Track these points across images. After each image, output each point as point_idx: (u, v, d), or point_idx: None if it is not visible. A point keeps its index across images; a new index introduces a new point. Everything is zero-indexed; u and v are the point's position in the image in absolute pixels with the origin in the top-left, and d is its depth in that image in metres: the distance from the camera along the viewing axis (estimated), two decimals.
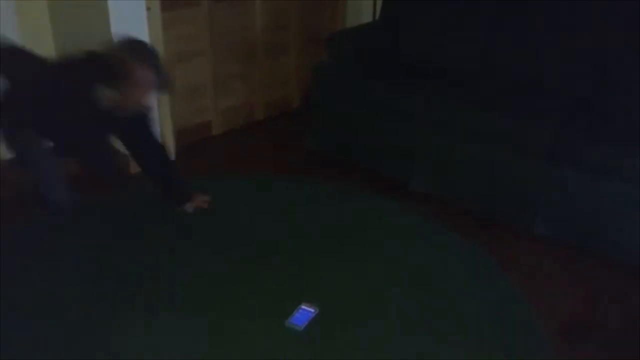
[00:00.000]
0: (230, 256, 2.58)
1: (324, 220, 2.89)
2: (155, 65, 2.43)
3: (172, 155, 3.46)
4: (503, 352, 2.16)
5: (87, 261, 2.56)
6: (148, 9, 3.12)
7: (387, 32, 3.62)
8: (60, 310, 2.27)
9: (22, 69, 2.52)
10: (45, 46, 3.40)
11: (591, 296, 2.48)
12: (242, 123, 3.92)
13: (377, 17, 3.98)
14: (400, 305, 2.36)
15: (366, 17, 4.10)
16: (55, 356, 2.07)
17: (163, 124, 3.40)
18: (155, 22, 3.19)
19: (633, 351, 2.21)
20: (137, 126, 2.67)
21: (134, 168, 3.31)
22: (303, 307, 2.30)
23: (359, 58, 3.52)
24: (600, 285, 2.55)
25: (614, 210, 2.61)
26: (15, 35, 3.24)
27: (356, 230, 2.77)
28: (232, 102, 3.85)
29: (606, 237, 2.67)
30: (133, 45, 2.45)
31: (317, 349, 2.14)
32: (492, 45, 3.27)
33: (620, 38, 2.93)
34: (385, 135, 3.27)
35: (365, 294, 2.40)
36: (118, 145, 2.81)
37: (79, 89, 2.38)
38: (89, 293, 2.37)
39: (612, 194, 2.60)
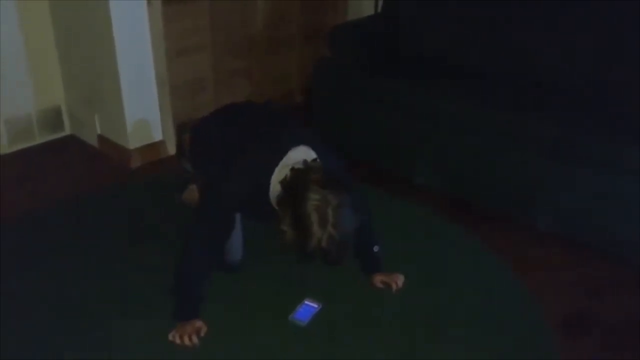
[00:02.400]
0: None
1: None
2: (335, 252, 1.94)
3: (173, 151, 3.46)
4: (506, 348, 2.14)
5: (87, 259, 2.54)
6: (149, 2, 3.10)
7: (388, 26, 3.60)
8: (59, 309, 2.26)
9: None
10: (45, 39, 3.40)
11: (593, 292, 2.47)
12: None
13: (378, 10, 3.96)
14: (403, 301, 2.34)
15: (368, 11, 4.08)
16: (55, 356, 2.06)
17: (164, 119, 3.39)
18: (156, 15, 3.17)
19: (635, 347, 2.20)
20: None
21: (134, 163, 3.32)
22: (307, 302, 2.29)
23: (360, 52, 3.50)
24: (602, 280, 2.53)
25: (617, 206, 2.59)
26: (16, 29, 3.24)
27: None
28: (233, 97, 3.81)
29: (609, 232, 2.65)
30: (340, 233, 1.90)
31: (320, 345, 2.13)
32: (494, 40, 3.25)
33: (621, 33, 2.90)
34: (387, 130, 3.25)
35: (369, 289, 2.38)
36: None
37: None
38: (88, 291, 2.35)
39: (615, 189, 2.58)
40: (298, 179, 1.94)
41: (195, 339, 2.07)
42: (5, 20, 3.19)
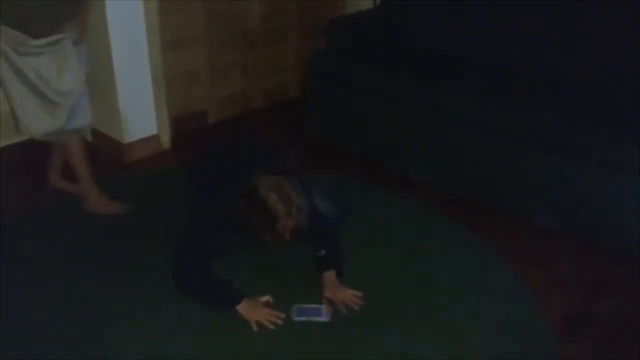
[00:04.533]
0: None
1: None
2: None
3: (169, 145, 3.43)
4: (506, 348, 2.13)
5: (86, 258, 2.52)
6: None
7: (386, 19, 3.57)
8: (59, 309, 2.24)
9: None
10: None
11: (593, 291, 2.45)
12: (239, 112, 3.86)
13: (377, 3, 3.92)
14: (400, 299, 2.33)
15: (366, 4, 4.05)
16: (55, 356, 2.04)
17: (158, 112, 3.35)
18: (151, 8, 3.13)
19: (633, 345, 2.19)
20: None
21: (129, 157, 3.29)
22: (306, 306, 2.26)
23: (358, 45, 3.47)
24: (601, 278, 2.52)
25: (618, 204, 2.58)
26: None
27: (355, 222, 2.73)
28: (229, 90, 3.79)
29: (608, 229, 2.64)
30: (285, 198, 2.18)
31: (318, 343, 2.12)
32: (492, 34, 3.22)
33: (620, 29, 2.89)
34: (384, 124, 3.23)
35: (365, 286, 2.35)
36: None
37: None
38: (88, 291, 2.33)
39: (613, 186, 2.58)
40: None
41: (279, 315, 2.19)
42: None
